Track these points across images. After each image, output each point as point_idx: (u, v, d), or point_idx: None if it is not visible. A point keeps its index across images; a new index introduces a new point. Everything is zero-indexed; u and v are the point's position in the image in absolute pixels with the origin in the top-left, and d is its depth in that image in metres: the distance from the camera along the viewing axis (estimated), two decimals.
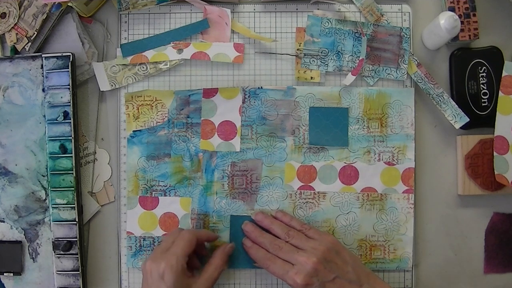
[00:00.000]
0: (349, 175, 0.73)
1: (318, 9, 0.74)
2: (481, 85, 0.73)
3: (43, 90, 0.72)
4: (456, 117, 0.72)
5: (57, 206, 0.71)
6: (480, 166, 0.73)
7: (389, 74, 0.73)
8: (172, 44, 0.74)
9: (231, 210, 0.73)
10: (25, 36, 0.72)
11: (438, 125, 0.75)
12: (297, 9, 0.75)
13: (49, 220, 0.72)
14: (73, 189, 0.71)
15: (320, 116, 0.73)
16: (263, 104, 0.73)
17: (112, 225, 0.75)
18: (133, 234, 0.73)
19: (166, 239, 0.67)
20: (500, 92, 0.73)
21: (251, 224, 0.72)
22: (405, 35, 0.73)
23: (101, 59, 0.75)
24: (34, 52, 0.73)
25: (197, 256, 0.71)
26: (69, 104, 0.71)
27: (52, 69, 0.72)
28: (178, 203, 0.73)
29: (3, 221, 0.73)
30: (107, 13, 0.76)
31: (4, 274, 0.73)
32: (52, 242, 0.72)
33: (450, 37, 0.70)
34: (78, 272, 0.71)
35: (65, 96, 0.71)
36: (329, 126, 0.73)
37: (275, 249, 0.67)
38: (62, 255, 0.72)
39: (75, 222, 0.71)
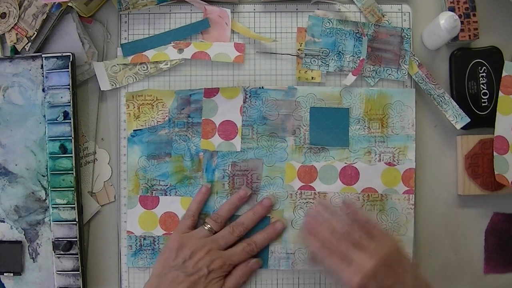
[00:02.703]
0: (349, 175, 0.73)
1: (318, 9, 0.74)
2: (481, 85, 0.73)
3: (43, 90, 0.72)
4: (457, 118, 0.72)
5: (57, 206, 0.71)
6: (480, 166, 0.73)
7: (390, 74, 0.73)
8: (173, 44, 0.74)
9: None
10: (25, 36, 0.72)
11: (438, 125, 0.75)
12: (297, 9, 0.75)
13: (49, 220, 0.72)
14: (73, 189, 0.71)
15: (321, 116, 0.73)
16: (264, 104, 0.73)
17: (112, 225, 0.75)
18: (133, 233, 0.73)
19: (226, 235, 0.69)
20: (500, 92, 0.73)
21: (314, 210, 0.67)
22: (406, 36, 0.73)
23: (101, 59, 0.75)
24: (34, 52, 0.73)
25: None
26: (69, 104, 0.71)
27: (52, 69, 0.71)
28: (178, 202, 0.73)
29: (3, 221, 0.73)
30: (107, 13, 0.76)
31: (4, 274, 0.73)
32: (52, 242, 0.72)
33: (450, 37, 0.70)
34: (78, 272, 0.71)
35: (65, 96, 0.71)
36: (330, 126, 0.73)
37: (337, 243, 0.61)
38: (62, 255, 0.71)
39: (75, 222, 0.71)
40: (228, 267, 0.68)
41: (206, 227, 0.69)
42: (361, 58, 0.73)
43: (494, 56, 0.74)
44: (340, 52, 0.73)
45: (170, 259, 0.67)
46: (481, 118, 0.74)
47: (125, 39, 0.74)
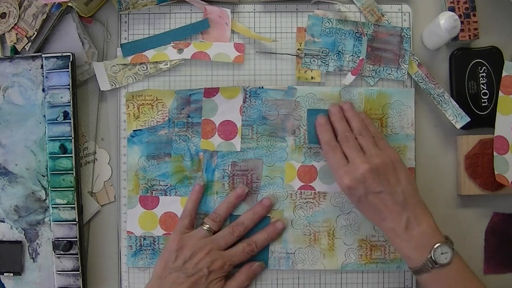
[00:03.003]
0: None
1: (318, 9, 0.74)
2: (481, 85, 0.73)
3: (43, 90, 0.72)
4: (457, 117, 0.72)
5: (57, 206, 0.71)
6: (480, 166, 0.73)
7: (389, 74, 0.73)
8: (173, 44, 0.74)
9: None
10: (25, 36, 0.72)
11: (438, 125, 0.75)
12: (297, 9, 0.75)
13: (49, 220, 0.72)
14: (73, 189, 0.71)
15: None
16: (264, 104, 0.73)
17: (112, 225, 0.75)
18: (133, 233, 0.73)
19: (226, 236, 0.69)
20: (500, 92, 0.73)
21: (338, 107, 0.71)
22: (406, 35, 0.73)
23: (101, 59, 0.75)
24: (34, 52, 0.73)
25: None
26: (69, 104, 0.71)
27: (52, 69, 0.71)
28: (178, 202, 0.73)
29: (3, 221, 0.73)
30: (107, 13, 0.76)
31: (4, 274, 0.73)
32: (52, 242, 0.72)
33: (450, 37, 0.70)
34: (78, 272, 0.71)
35: (65, 96, 0.71)
36: None
37: (343, 138, 0.67)
38: (62, 255, 0.71)
39: (75, 222, 0.71)
40: (229, 267, 0.68)
41: (205, 227, 0.69)
42: (360, 58, 0.73)
43: (494, 56, 0.74)
44: (339, 51, 0.73)
45: (170, 261, 0.67)
46: (481, 118, 0.74)
47: (125, 39, 0.74)
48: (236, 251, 0.69)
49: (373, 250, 0.73)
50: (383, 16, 0.74)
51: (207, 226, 0.69)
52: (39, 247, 0.73)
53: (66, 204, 0.71)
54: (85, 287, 0.72)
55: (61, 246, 0.71)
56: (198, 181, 0.73)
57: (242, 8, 0.75)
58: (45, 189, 0.72)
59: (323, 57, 0.73)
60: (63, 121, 0.71)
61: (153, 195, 0.73)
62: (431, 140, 0.75)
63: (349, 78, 0.73)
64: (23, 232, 0.73)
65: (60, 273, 0.72)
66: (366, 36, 0.73)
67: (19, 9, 0.73)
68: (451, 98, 0.72)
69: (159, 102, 0.73)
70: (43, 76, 0.72)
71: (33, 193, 0.73)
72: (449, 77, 0.75)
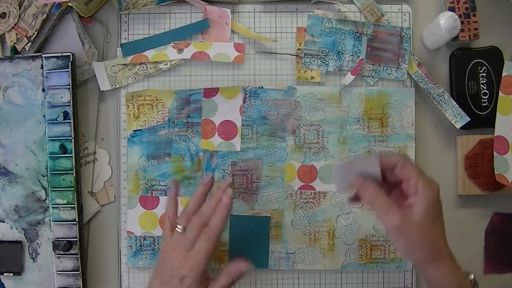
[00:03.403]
0: None
1: (318, 9, 0.74)
2: (481, 85, 0.73)
3: (43, 90, 0.72)
4: (457, 117, 0.72)
5: (57, 206, 0.71)
6: (480, 166, 0.73)
7: (389, 74, 0.73)
8: (172, 44, 0.74)
9: (231, 209, 0.73)
10: (25, 36, 0.72)
11: (438, 125, 0.75)
12: (297, 9, 0.75)
13: (49, 220, 0.72)
14: (73, 189, 0.71)
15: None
16: (264, 104, 0.73)
17: (112, 225, 0.75)
18: (134, 233, 0.73)
19: (189, 233, 0.62)
20: (500, 92, 0.73)
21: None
22: (406, 35, 0.73)
23: (101, 59, 0.75)
24: (34, 52, 0.73)
25: None
26: (69, 104, 0.71)
27: (52, 69, 0.71)
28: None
29: (3, 221, 0.73)
30: (107, 13, 0.76)
31: (4, 274, 0.73)
32: (52, 242, 0.72)
33: (450, 37, 0.70)
34: (78, 272, 0.71)
35: (65, 96, 0.71)
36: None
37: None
38: (62, 255, 0.71)
39: (75, 222, 0.71)
40: (199, 267, 0.61)
41: (178, 229, 0.64)
42: (360, 58, 0.73)
43: (494, 56, 0.74)
44: (339, 51, 0.73)
45: (158, 264, 0.64)
46: (481, 118, 0.74)
47: (125, 39, 0.75)
48: (200, 247, 0.62)
49: (373, 250, 0.73)
50: (383, 16, 0.74)
51: (180, 226, 0.64)
52: (39, 247, 0.73)
53: (66, 204, 0.71)
54: (85, 287, 0.72)
55: (61, 246, 0.71)
56: (171, 180, 0.72)
57: (242, 8, 0.75)
58: (45, 189, 0.72)
59: (323, 57, 0.73)
60: (63, 121, 0.71)
61: (153, 195, 0.73)
62: (431, 140, 0.75)
63: (349, 78, 0.73)
64: (23, 232, 0.73)
65: (60, 273, 0.72)
66: (366, 36, 0.73)
67: (19, 9, 0.73)
68: (451, 98, 0.72)
69: (159, 102, 0.73)
70: (43, 76, 0.72)
71: (33, 193, 0.73)
72: (449, 77, 0.75)
